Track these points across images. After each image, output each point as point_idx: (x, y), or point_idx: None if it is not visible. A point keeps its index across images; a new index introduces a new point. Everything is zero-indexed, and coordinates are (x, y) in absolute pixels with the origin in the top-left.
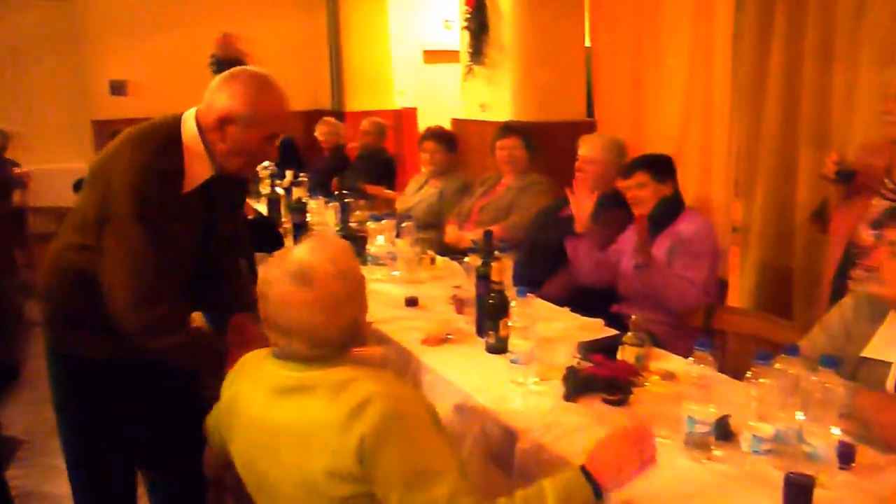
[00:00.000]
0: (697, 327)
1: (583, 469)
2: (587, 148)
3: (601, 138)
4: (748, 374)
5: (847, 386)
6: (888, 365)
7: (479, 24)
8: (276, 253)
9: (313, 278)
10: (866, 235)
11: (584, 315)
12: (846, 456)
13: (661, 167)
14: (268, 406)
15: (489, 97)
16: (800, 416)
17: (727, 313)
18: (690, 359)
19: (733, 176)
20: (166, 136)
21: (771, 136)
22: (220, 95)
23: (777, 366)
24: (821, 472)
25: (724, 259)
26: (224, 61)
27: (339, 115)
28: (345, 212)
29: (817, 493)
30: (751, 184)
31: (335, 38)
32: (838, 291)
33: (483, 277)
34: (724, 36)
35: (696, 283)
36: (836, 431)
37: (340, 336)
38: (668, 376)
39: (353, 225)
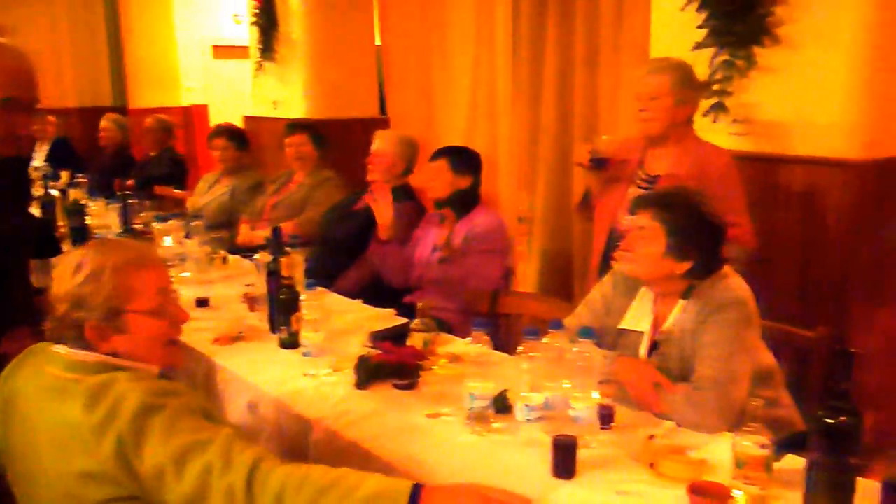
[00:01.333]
0: (485, 312)
1: (415, 486)
2: (378, 142)
3: (392, 133)
4: (519, 350)
5: (604, 354)
6: (640, 334)
7: (268, 20)
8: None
9: (82, 264)
10: (624, 220)
11: (377, 306)
12: (606, 417)
13: (462, 159)
14: (35, 402)
15: (281, 94)
16: (566, 384)
17: (511, 297)
18: (467, 340)
19: (518, 169)
20: None
21: (548, 133)
22: None
23: (545, 340)
24: (585, 432)
25: (512, 248)
26: None
27: (122, 111)
28: (127, 213)
29: (581, 451)
30: (532, 177)
31: (114, 29)
32: (603, 272)
33: (273, 274)
34: (505, 39)
35: (489, 278)
36: (596, 396)
37: (103, 307)
38: (454, 359)
39: (137, 226)
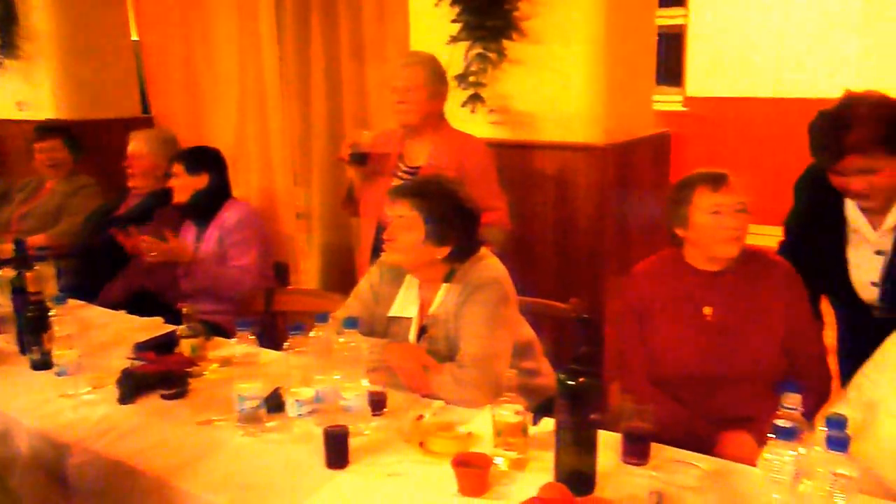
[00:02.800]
0: (260, 311)
1: None
2: (134, 143)
3: (148, 133)
4: (286, 346)
5: (373, 342)
6: (409, 320)
7: (5, 12)
8: None
9: None
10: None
11: (148, 315)
12: (377, 403)
13: (193, 159)
14: None
15: (26, 94)
16: (336, 375)
17: (286, 295)
18: (233, 340)
19: (291, 166)
20: None
21: (320, 128)
22: None
23: (312, 334)
24: (356, 420)
25: (287, 244)
26: None
27: None
28: None
29: (354, 440)
30: (307, 172)
31: None
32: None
33: (18, 290)
34: (270, 34)
35: (250, 268)
36: (366, 384)
37: None
38: (226, 362)
39: None
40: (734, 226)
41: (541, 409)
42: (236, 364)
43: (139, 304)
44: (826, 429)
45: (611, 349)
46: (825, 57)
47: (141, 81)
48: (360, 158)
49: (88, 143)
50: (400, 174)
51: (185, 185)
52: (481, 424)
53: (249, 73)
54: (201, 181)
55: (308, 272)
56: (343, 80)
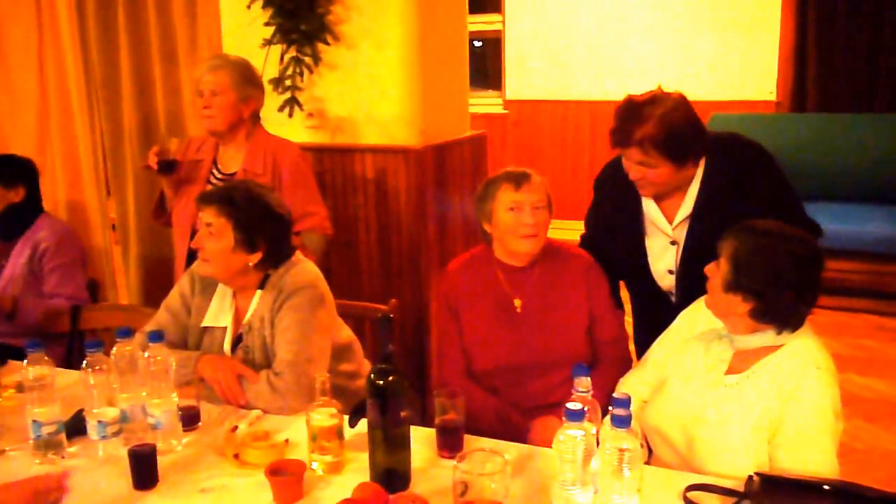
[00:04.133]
0: (66, 331)
1: None
2: None
3: None
4: (84, 364)
5: (184, 355)
6: (224, 329)
7: None
8: None
9: None
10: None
11: None
12: (190, 418)
13: (7, 171)
14: None
15: None
16: (143, 392)
17: (97, 311)
18: (26, 362)
19: (102, 175)
20: None
21: (133, 135)
22: None
23: (113, 351)
24: (166, 437)
25: (100, 258)
26: None
27: None
28: None
29: (164, 458)
30: (121, 182)
31: None
32: None
33: None
34: (71, 36)
35: (76, 297)
36: (176, 398)
37: None
38: (23, 387)
39: None
40: (531, 222)
41: (358, 411)
42: (30, 389)
43: None
44: (612, 408)
45: (433, 344)
46: (633, 60)
47: None
48: (168, 166)
49: None
50: (213, 181)
51: None
52: (298, 431)
53: (50, 79)
54: (17, 194)
55: (125, 287)
56: (155, 83)
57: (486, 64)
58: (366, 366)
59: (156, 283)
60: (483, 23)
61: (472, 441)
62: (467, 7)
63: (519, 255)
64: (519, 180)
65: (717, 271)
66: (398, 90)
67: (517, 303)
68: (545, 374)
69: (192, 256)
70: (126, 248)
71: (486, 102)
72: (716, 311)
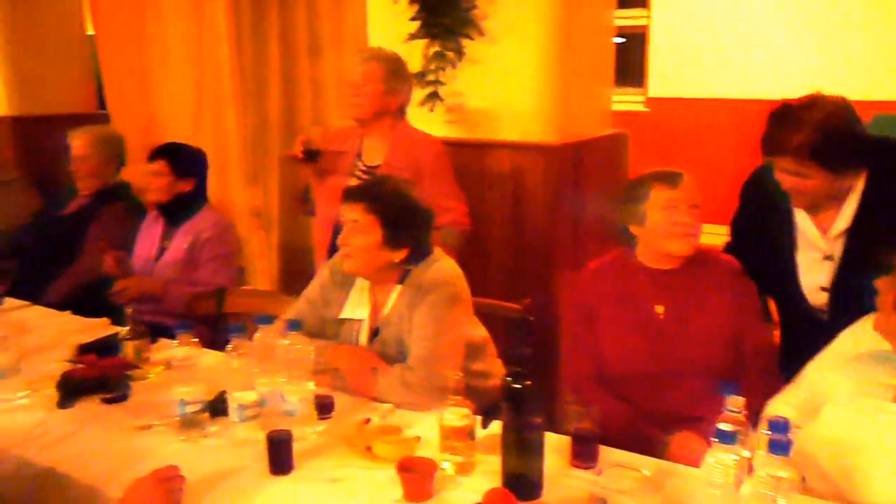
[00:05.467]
0: (212, 313)
1: None
2: (76, 146)
3: (88, 133)
4: (228, 348)
5: (321, 345)
6: (360, 322)
7: None
8: None
9: None
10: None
11: (94, 316)
12: (325, 407)
13: (182, 161)
14: None
15: None
16: (281, 379)
17: (240, 296)
18: (175, 342)
19: (248, 164)
20: None
21: (277, 125)
22: None
23: (256, 336)
24: (301, 425)
25: (243, 244)
26: None
27: None
28: None
29: (298, 445)
30: (264, 170)
31: None
32: None
33: None
34: (227, 30)
35: (223, 287)
36: (312, 387)
37: None
38: (171, 365)
39: None
40: (688, 222)
41: (490, 412)
42: (177, 367)
43: (86, 304)
44: (769, 432)
45: (562, 348)
46: (787, 59)
47: (98, 77)
48: (312, 155)
49: (39, 138)
50: (357, 173)
51: (168, 186)
52: (429, 428)
53: (206, 70)
54: (187, 185)
55: (265, 273)
56: (300, 77)
57: (626, 60)
58: (497, 366)
59: (294, 270)
60: (628, 18)
61: (604, 452)
62: (616, 2)
63: (670, 257)
64: (674, 179)
65: (890, 287)
66: (538, 86)
67: (659, 308)
68: (684, 383)
69: (333, 247)
70: (268, 235)
71: (625, 100)
72: (886, 331)
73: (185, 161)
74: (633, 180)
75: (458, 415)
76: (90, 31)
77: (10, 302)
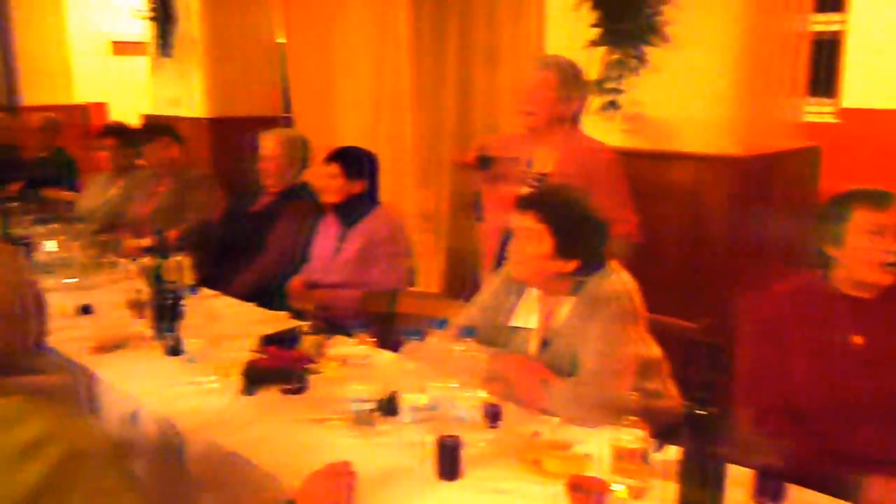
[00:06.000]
0: (383, 313)
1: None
2: (266, 146)
3: (278, 134)
4: (402, 350)
5: (492, 352)
6: (530, 331)
7: (165, 15)
8: None
9: None
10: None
11: (276, 309)
12: (493, 415)
13: (353, 163)
14: None
15: (180, 91)
16: (452, 384)
17: (410, 298)
18: (352, 340)
19: (421, 167)
20: None
21: (451, 130)
22: None
23: (430, 340)
24: (470, 432)
25: (414, 246)
26: None
27: (13, 110)
28: (6, 216)
29: (466, 451)
30: (436, 174)
31: (2, 25)
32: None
33: (157, 278)
34: (407, 38)
35: (398, 286)
36: (482, 394)
37: (24, 353)
38: (346, 361)
39: (16, 231)
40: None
41: (664, 436)
42: (353, 365)
43: (268, 297)
44: None
45: (741, 374)
46: None
47: (284, 82)
48: (485, 162)
49: (230, 139)
50: (529, 180)
51: (340, 188)
52: (599, 446)
53: (385, 76)
54: (358, 186)
55: (430, 274)
56: (475, 84)
57: (815, 68)
58: (670, 386)
59: (459, 274)
60: (822, 23)
61: (792, 491)
62: (812, 7)
63: (869, 285)
64: (882, 200)
65: None
66: (725, 94)
67: (857, 339)
68: (883, 421)
69: (500, 254)
70: (436, 238)
71: (814, 111)
72: None
73: (356, 164)
74: (833, 197)
75: (632, 435)
76: (280, 40)
77: (203, 291)
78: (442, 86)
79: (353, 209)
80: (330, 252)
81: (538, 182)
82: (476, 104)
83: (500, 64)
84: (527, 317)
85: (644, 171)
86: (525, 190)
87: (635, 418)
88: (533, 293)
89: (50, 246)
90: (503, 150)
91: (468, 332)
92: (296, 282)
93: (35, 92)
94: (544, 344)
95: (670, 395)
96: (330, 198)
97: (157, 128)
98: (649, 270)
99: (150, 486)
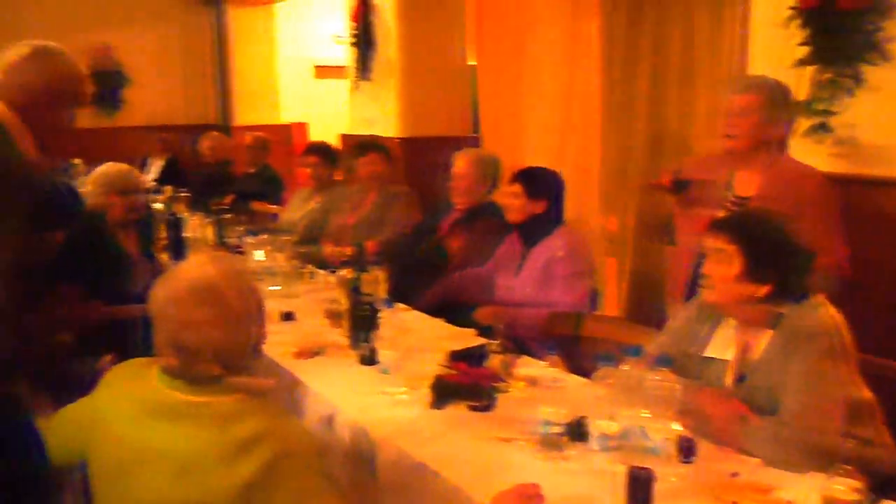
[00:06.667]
0: (567, 335)
1: None
2: (457, 164)
3: (471, 154)
4: (595, 375)
5: (686, 383)
6: (726, 363)
7: (365, 40)
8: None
9: (223, 294)
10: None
11: (458, 325)
12: (687, 450)
13: (535, 183)
14: (140, 424)
15: (375, 112)
16: (644, 413)
17: (594, 321)
18: (544, 363)
19: (608, 189)
20: None
21: (640, 152)
22: (29, 74)
23: (623, 367)
24: (662, 465)
25: (598, 269)
26: (101, 72)
27: (226, 129)
28: (222, 227)
29: (658, 485)
30: (623, 197)
31: (221, 50)
32: (689, 300)
33: (355, 290)
34: (597, 59)
35: (576, 304)
36: (677, 427)
37: (246, 355)
38: (533, 382)
39: (230, 241)
40: None
41: (879, 488)
42: (543, 386)
43: (452, 313)
44: None
45: None
46: None
47: (474, 103)
48: (680, 185)
49: (421, 158)
50: (727, 204)
51: (522, 207)
52: (804, 493)
53: (574, 97)
54: (539, 206)
55: (613, 299)
56: (668, 105)
57: None
58: (884, 434)
59: (644, 299)
60: None
61: None
62: None
63: None
64: None
65: None
66: None
67: None
68: None
69: (692, 280)
70: (620, 262)
71: None
72: None
73: (538, 183)
74: None
75: (847, 486)
76: (471, 62)
77: (396, 305)
78: (633, 107)
79: (535, 229)
80: (512, 271)
81: (737, 206)
82: (668, 126)
83: (696, 84)
84: (722, 348)
85: (856, 198)
86: (721, 213)
87: (849, 467)
88: (730, 323)
89: (258, 255)
90: (700, 173)
91: (664, 361)
92: (485, 309)
93: (246, 112)
94: (740, 378)
95: (884, 444)
96: (513, 216)
97: (370, 144)
98: (859, 307)
99: (343, 488)
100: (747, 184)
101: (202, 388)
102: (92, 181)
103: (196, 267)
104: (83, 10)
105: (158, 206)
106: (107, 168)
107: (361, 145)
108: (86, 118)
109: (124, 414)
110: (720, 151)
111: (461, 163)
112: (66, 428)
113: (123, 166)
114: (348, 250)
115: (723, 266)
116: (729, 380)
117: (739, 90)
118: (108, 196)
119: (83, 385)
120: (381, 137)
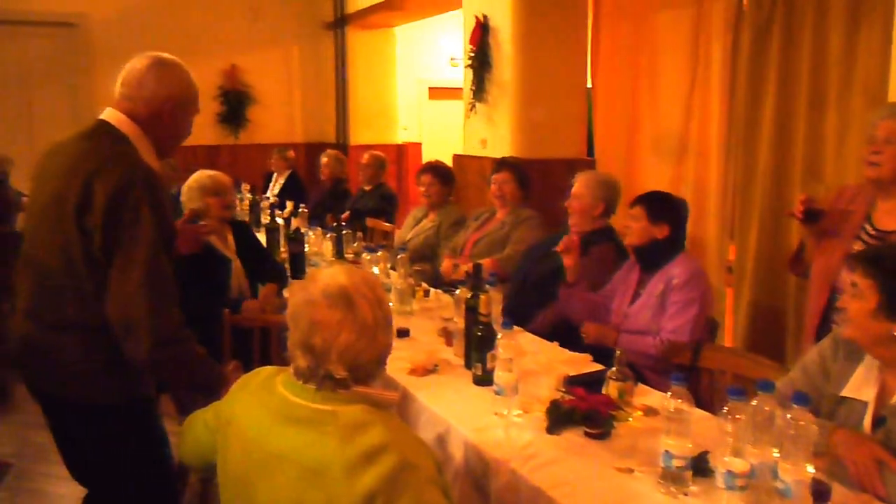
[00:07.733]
0: (685, 365)
1: None
2: (577, 185)
3: (590, 175)
4: (724, 410)
5: (821, 424)
6: (864, 405)
7: (481, 62)
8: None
9: (354, 300)
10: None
11: (574, 350)
12: (822, 494)
13: (658, 207)
14: (268, 430)
15: (489, 133)
16: (775, 453)
17: (714, 352)
18: (668, 393)
19: (728, 217)
20: (114, 138)
21: (764, 178)
22: (150, 85)
23: (753, 402)
24: None
25: (716, 299)
26: (230, 92)
27: (344, 148)
28: (340, 243)
29: None
30: (745, 225)
31: (342, 73)
32: (822, 335)
33: (471, 310)
34: (722, 81)
35: (680, 330)
36: (810, 469)
37: (372, 363)
38: (651, 412)
39: (348, 256)
40: None
41: None
42: (666, 418)
43: (565, 337)
44: None
45: None
46: None
47: (590, 125)
48: (814, 215)
49: (535, 179)
50: (864, 237)
51: (643, 231)
52: None
53: (694, 121)
54: (661, 231)
55: (733, 330)
56: (796, 130)
57: None
58: None
59: (763, 330)
60: None
61: None
62: None
63: None
64: None
65: None
66: None
67: None
68: None
69: (826, 313)
70: (739, 292)
71: None
72: None
73: (660, 208)
74: None
75: None
76: (588, 85)
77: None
78: (757, 132)
79: (655, 254)
80: (629, 297)
81: (876, 239)
82: (795, 152)
83: (827, 108)
84: (860, 388)
85: None
86: (859, 246)
87: None
88: (870, 363)
89: (374, 271)
90: (838, 203)
91: (801, 399)
92: (592, 325)
93: (362, 132)
94: (879, 421)
95: None
96: (632, 240)
97: (506, 163)
98: None
99: (455, 496)
100: (889, 216)
101: (329, 396)
102: (188, 188)
103: (331, 274)
104: (216, 34)
105: (279, 220)
106: (199, 175)
107: (499, 162)
108: (213, 135)
109: (253, 419)
110: (863, 178)
111: (579, 183)
112: (197, 431)
113: (212, 172)
114: (466, 266)
115: (857, 301)
116: (867, 422)
117: (885, 116)
118: (204, 198)
119: (211, 390)
120: (520, 159)
